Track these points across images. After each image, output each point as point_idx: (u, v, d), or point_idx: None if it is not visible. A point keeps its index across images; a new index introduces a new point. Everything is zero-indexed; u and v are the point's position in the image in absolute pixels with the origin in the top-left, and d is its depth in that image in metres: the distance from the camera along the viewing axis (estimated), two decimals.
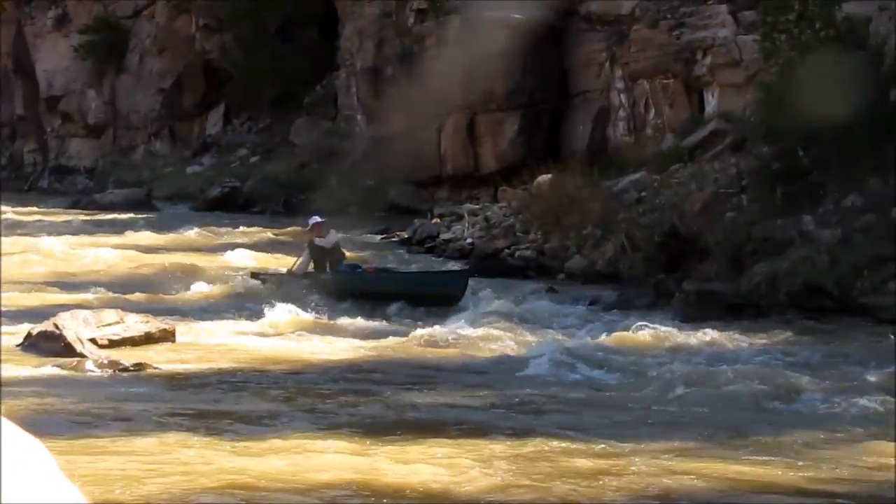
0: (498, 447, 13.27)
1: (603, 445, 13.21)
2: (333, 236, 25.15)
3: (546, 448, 13.21)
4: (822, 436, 13.97)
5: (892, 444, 13.36)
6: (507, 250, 32.68)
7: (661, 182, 32.22)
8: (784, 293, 23.96)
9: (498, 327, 21.52)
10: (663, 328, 21.69)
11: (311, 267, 24.82)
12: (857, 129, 26.23)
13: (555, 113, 41.69)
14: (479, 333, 20.97)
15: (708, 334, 21.21)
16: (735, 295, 24.34)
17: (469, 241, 35.08)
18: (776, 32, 29.62)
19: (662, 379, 17.49)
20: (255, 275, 26.43)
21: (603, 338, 20.41)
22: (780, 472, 12.27)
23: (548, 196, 33.63)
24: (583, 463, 12.51)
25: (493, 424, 14.58)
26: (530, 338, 20.97)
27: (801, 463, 12.65)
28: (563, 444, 13.32)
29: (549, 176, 34.57)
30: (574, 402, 16.06)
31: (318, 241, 24.78)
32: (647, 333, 20.93)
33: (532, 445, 13.36)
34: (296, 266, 25.07)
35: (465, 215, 37.44)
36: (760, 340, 20.75)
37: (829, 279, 23.80)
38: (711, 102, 36.69)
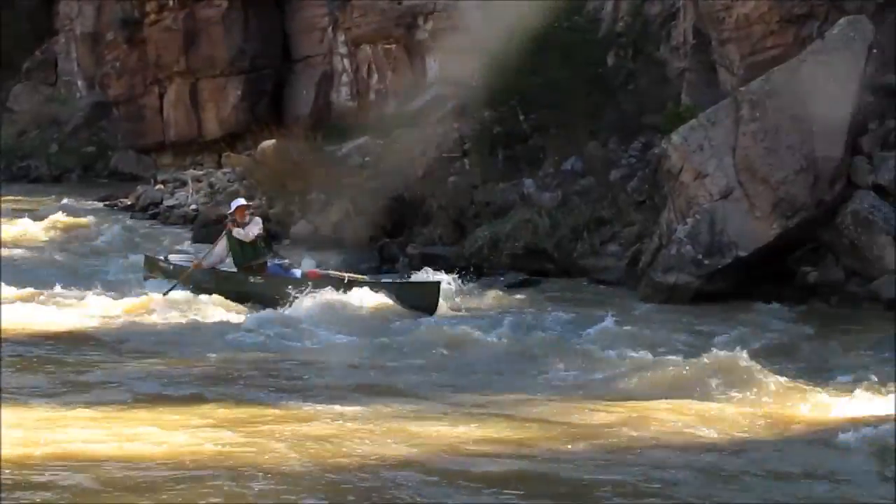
0: (225, 412, 12.72)
1: (326, 410, 12.78)
2: (256, 226, 20.71)
3: (275, 413, 12.71)
4: (538, 396, 13.76)
5: (605, 403, 13.25)
6: None
7: (384, 147, 31.91)
8: (506, 255, 23.91)
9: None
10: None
11: (227, 261, 20.86)
12: (575, 93, 26.35)
13: (278, 78, 41.08)
14: (204, 300, 20.34)
15: None
16: (458, 258, 24.21)
17: (193, 207, 34.41)
18: None
19: (380, 342, 17.14)
20: (150, 262, 22.39)
21: (325, 302, 19.89)
22: (497, 434, 11.98)
23: (272, 162, 33.08)
24: (313, 427, 12.05)
25: (219, 391, 13.96)
26: (251, 304, 20.43)
27: (522, 425, 12.40)
28: (291, 410, 12.84)
29: (273, 141, 33.99)
30: (297, 368, 15.52)
31: (236, 231, 20.57)
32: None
33: (259, 411, 12.84)
34: (205, 258, 21.05)
35: (189, 181, 36.74)
36: (481, 303, 20.56)
37: (549, 241, 23.83)
38: (433, 67, 36.54)
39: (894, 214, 19.88)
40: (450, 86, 34.02)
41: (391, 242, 25.98)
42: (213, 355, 16.25)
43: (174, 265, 21.73)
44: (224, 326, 18.45)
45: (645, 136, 25.68)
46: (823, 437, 11.81)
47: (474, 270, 23.70)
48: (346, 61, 39.45)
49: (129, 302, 20.20)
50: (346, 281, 20.21)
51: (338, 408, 12.95)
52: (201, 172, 38.27)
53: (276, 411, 12.89)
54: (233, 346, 17.02)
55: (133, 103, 43.11)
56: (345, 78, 39.55)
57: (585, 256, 23.45)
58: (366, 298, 19.53)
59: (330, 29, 39.85)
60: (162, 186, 37.54)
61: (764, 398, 13.36)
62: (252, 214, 21.15)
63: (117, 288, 21.87)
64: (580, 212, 24.25)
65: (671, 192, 21.37)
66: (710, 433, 11.99)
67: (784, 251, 20.50)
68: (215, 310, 19.64)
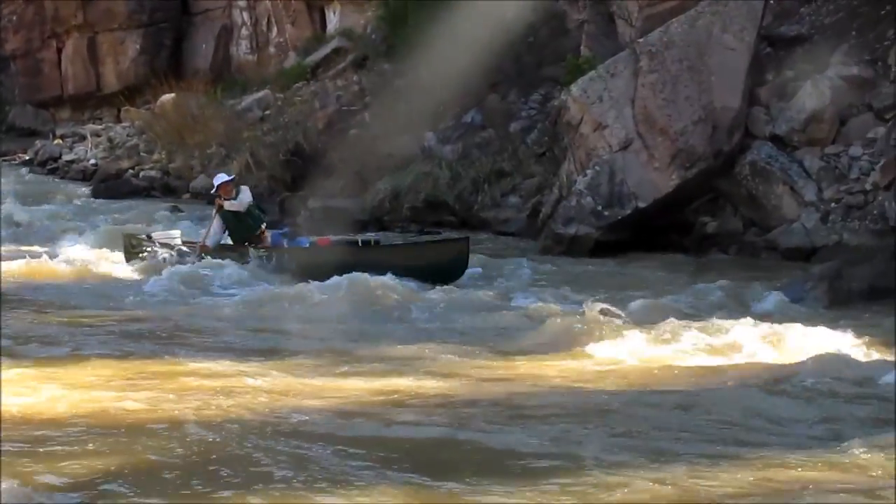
0: (127, 369, 12.34)
1: (228, 367, 12.47)
2: (246, 195, 19.02)
3: (174, 368, 12.38)
4: (438, 349, 13.49)
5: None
6: (131, 171, 31.76)
7: (284, 100, 31.53)
8: (407, 208, 23.71)
9: (121, 249, 20.50)
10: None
11: (226, 238, 19.17)
12: (475, 46, 26.04)
13: (177, 32, 40.42)
14: (101, 255, 19.89)
15: None
16: (360, 211, 23.99)
17: (93, 161, 33.96)
18: None
19: (285, 299, 16.77)
20: (132, 239, 19.97)
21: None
22: (397, 387, 11.72)
23: (171, 116, 32.67)
24: (215, 383, 11.75)
25: (122, 348, 13.57)
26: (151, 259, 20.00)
27: (422, 378, 12.18)
28: (193, 366, 12.52)
29: (173, 95, 33.58)
30: (193, 323, 15.15)
31: (228, 204, 18.86)
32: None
33: (151, 366, 12.49)
34: (207, 238, 19.07)
35: (88, 136, 36.24)
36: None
37: (449, 194, 23.66)
38: (333, 20, 36.11)
39: (791, 164, 19.86)
40: (350, 39, 33.66)
41: (292, 196, 25.69)
42: (118, 312, 15.81)
43: (159, 243, 19.65)
44: (132, 282, 18.01)
45: (544, 88, 25.50)
46: (717, 385, 11.63)
47: (376, 223, 23.53)
48: (245, 14, 38.88)
49: (33, 257, 19.70)
50: (360, 244, 18.48)
51: (239, 364, 12.63)
52: (100, 127, 37.72)
53: (181, 367, 12.55)
54: (138, 302, 16.59)
55: (30, 57, 42.24)
56: (244, 31, 39.00)
57: (486, 209, 23.30)
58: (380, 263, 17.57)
59: None
60: (60, 141, 36.96)
61: (661, 347, 13.18)
62: (237, 184, 19.42)
63: (20, 242, 21.37)
64: (480, 164, 24.08)
65: (571, 144, 21.18)
66: (608, 384, 11.78)
67: (683, 202, 20.42)
68: (119, 265, 19.20)
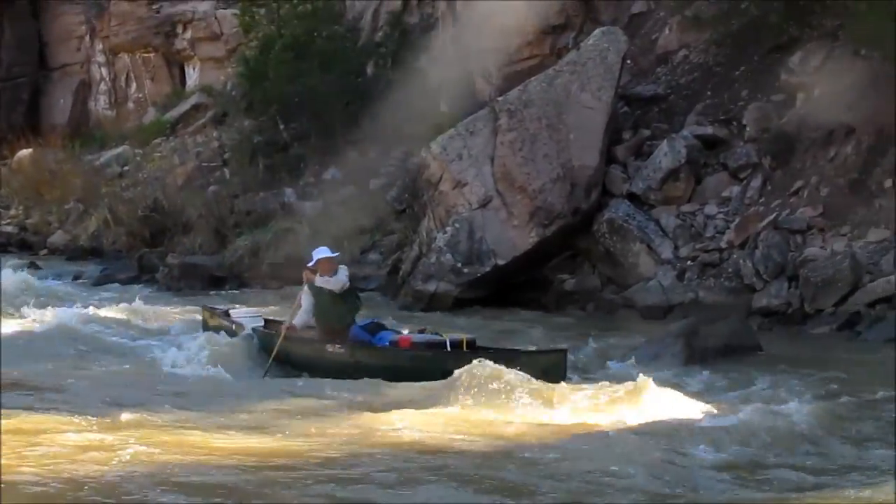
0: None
1: (84, 421, 12.08)
2: (343, 274, 15.63)
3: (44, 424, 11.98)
4: (294, 406, 13.24)
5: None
6: None
7: (143, 156, 31.16)
8: (267, 265, 23.41)
9: None
10: (142, 302, 20.56)
11: (312, 320, 15.69)
12: (334, 103, 25.95)
13: (34, 87, 39.69)
14: None
15: (188, 307, 20.34)
16: (218, 267, 23.66)
17: None
18: (255, 6, 29.02)
19: (156, 352, 16.41)
20: (209, 314, 17.73)
21: (87, 313, 19.04)
22: (251, 445, 11.47)
23: (28, 171, 32.17)
24: (67, 438, 11.35)
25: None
26: (26, 313, 19.49)
27: (276, 435, 11.91)
28: (61, 419, 12.12)
29: (30, 150, 33.05)
30: (67, 376, 14.76)
31: (321, 280, 15.43)
32: (127, 307, 19.78)
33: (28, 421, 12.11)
34: (294, 317, 15.85)
35: None
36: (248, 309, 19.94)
37: (310, 250, 23.34)
38: (193, 76, 35.80)
39: (648, 223, 19.93)
40: (209, 95, 33.38)
41: (150, 252, 25.32)
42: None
43: (235, 323, 17.03)
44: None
45: (405, 145, 25.41)
46: (565, 443, 11.44)
47: (235, 280, 23.24)
48: (104, 70, 38.33)
49: None
50: (448, 349, 14.92)
51: (93, 419, 12.26)
52: None
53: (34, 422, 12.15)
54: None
55: None
56: (103, 86, 38.42)
57: (346, 265, 23.03)
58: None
59: (87, 37, 38.69)
60: None
61: (510, 405, 12.96)
62: (338, 262, 16.03)
63: None
64: (341, 221, 23.87)
65: (431, 201, 21.07)
66: (461, 440, 11.57)
67: (542, 259, 20.39)
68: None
